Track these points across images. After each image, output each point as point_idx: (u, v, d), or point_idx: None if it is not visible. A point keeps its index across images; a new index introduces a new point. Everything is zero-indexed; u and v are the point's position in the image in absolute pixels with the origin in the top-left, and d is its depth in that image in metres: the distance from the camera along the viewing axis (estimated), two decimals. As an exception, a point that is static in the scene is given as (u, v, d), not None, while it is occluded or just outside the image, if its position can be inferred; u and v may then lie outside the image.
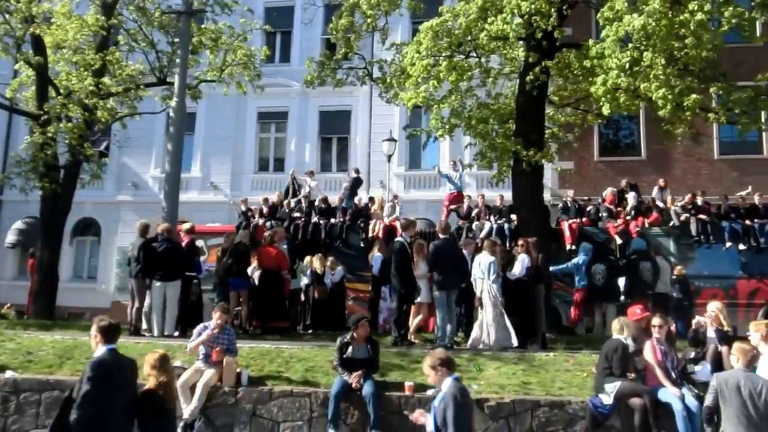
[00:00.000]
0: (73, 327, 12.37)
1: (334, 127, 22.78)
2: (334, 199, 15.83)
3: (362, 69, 15.09)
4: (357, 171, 17.05)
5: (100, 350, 5.16)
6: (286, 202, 15.79)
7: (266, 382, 8.25)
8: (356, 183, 16.36)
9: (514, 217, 13.94)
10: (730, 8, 10.31)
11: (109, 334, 5.23)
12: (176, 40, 14.67)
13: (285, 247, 12.46)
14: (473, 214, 14.88)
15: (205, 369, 8.06)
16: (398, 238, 10.35)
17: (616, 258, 13.30)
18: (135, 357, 8.50)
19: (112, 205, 22.76)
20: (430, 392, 7.75)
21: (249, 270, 11.73)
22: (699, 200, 14.54)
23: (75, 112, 14.16)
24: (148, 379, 5.33)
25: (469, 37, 12.18)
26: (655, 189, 15.65)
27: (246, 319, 11.66)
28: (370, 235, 14.18)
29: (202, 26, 15.77)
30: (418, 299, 10.21)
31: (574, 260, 12.96)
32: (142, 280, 10.72)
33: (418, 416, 5.46)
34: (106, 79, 14.70)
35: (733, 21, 10.33)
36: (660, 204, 14.89)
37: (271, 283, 11.62)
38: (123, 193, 22.97)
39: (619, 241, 13.66)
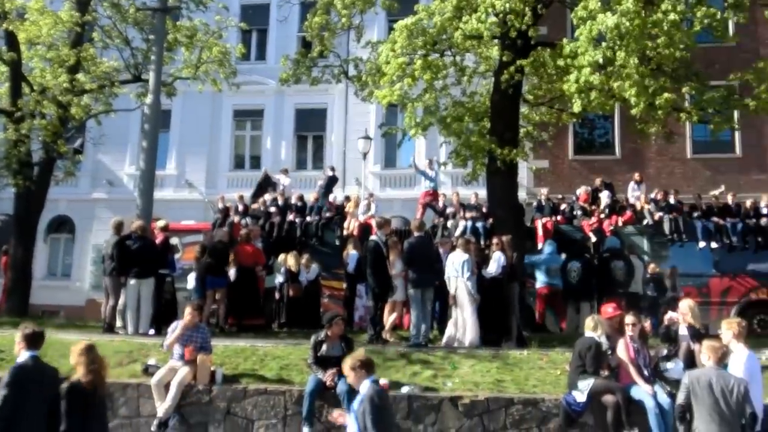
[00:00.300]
0: (46, 325, 12.10)
1: (310, 125, 22.73)
2: (309, 197, 15.79)
3: (338, 67, 15.04)
4: (333, 169, 16.99)
5: (22, 356, 5.24)
6: (261, 200, 15.69)
7: (241, 380, 8.24)
8: (332, 181, 16.29)
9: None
10: (703, 8, 10.43)
11: (33, 341, 5.31)
12: (151, 37, 14.47)
13: (260, 245, 12.43)
14: (448, 212, 14.93)
15: (180, 367, 8.01)
16: (373, 237, 10.32)
17: (591, 256, 13.43)
18: (110, 355, 8.62)
19: (86, 202, 22.50)
20: (405, 390, 7.80)
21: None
22: (671, 198, 14.75)
23: (49, 109, 14.02)
24: (76, 368, 5.34)
25: (444, 36, 12.19)
26: (632, 184, 15.83)
27: (223, 318, 11.62)
28: (345, 233, 14.17)
29: (177, 23, 15.62)
30: (394, 297, 10.23)
31: (538, 256, 13.11)
32: (116, 278, 10.68)
33: (336, 416, 5.61)
34: (80, 76, 14.49)
35: (706, 21, 10.44)
36: (635, 197, 15.05)
37: (247, 280, 11.61)
38: (98, 190, 22.74)
39: (593, 239, 13.80)
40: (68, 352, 8.63)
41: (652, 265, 12.87)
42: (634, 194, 15.31)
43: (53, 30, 14.44)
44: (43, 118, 14.07)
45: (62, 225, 23.08)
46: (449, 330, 9.89)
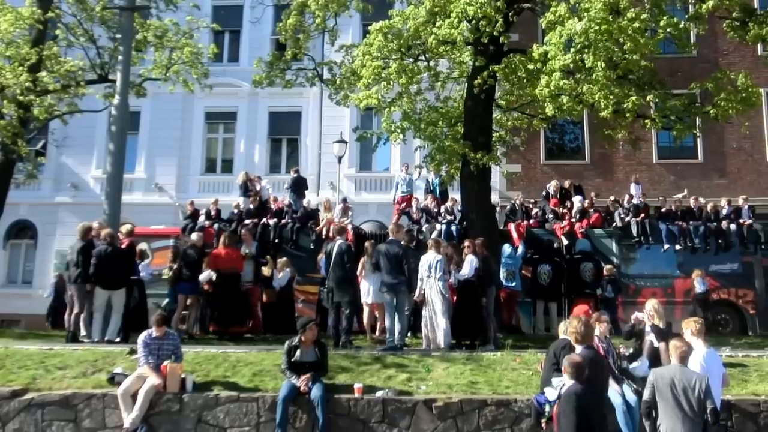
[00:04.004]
0: (6, 335, 11.86)
1: (284, 128, 22.58)
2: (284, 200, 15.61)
3: (312, 70, 14.97)
4: (296, 171, 16.66)
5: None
6: (234, 203, 15.47)
7: (212, 387, 8.06)
8: (297, 182, 15.99)
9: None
10: (665, 18, 10.76)
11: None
12: (118, 36, 14.19)
13: (253, 249, 12.23)
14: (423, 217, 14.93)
15: (148, 375, 7.83)
16: (339, 240, 10.26)
17: (561, 259, 13.61)
18: (73, 365, 8.38)
19: (49, 206, 21.83)
20: (379, 394, 7.78)
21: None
22: (639, 201, 15.10)
23: (9, 109, 13.58)
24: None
25: (418, 41, 12.29)
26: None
27: (192, 324, 11.45)
28: (322, 235, 14.03)
29: (146, 22, 15.29)
30: (368, 300, 10.20)
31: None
32: (82, 286, 10.33)
33: None
34: (42, 75, 14.05)
35: (668, 30, 10.76)
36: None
37: (229, 286, 11.32)
38: (61, 194, 22.06)
39: (565, 242, 14.01)
40: (28, 363, 8.47)
41: (607, 267, 13.15)
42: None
43: (13, 26, 13.92)
44: (1, 119, 13.67)
45: (23, 230, 22.38)
46: (423, 331, 9.90)
